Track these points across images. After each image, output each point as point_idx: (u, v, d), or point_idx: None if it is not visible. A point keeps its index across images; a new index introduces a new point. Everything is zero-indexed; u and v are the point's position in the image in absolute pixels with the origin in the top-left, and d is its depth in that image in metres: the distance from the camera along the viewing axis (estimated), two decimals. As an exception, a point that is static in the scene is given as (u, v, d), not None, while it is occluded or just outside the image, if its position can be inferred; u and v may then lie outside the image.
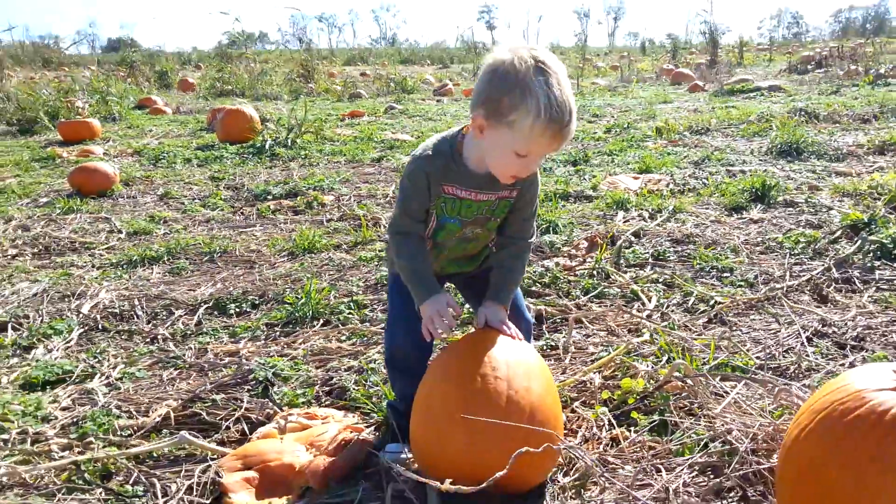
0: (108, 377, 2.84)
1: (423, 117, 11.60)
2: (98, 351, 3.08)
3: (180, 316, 3.48)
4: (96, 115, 11.31)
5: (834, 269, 3.49)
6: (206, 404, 2.56)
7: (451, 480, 1.71)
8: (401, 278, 2.13)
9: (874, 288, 3.30)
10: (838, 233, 3.92)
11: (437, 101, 15.23)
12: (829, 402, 1.59)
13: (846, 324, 2.93)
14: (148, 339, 3.24)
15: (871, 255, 3.61)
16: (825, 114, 8.25)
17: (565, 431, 2.22)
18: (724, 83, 13.66)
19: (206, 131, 10.27)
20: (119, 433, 2.42)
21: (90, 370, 2.90)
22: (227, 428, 2.44)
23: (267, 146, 8.13)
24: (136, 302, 3.63)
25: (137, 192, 6.32)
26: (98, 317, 3.45)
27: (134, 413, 2.56)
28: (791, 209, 4.60)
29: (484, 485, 1.68)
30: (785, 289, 3.31)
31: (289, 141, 8.47)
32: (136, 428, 2.45)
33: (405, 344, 2.16)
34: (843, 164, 5.81)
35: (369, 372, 2.72)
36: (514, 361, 1.95)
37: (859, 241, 3.72)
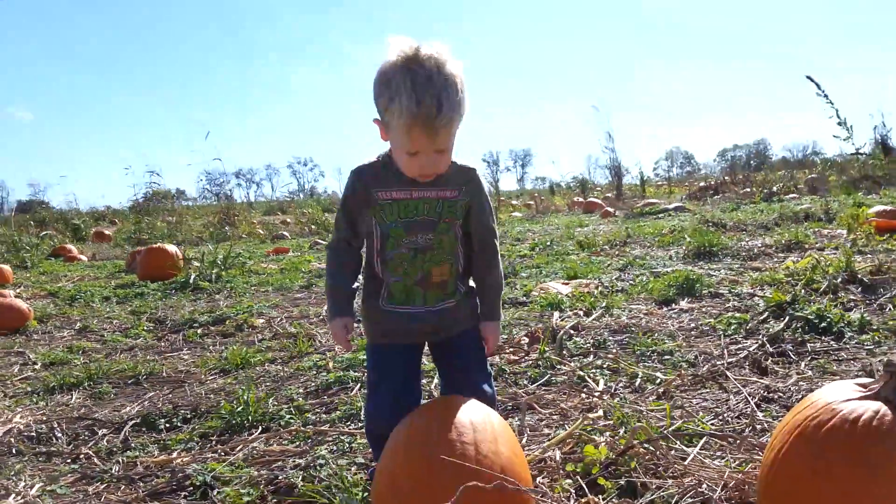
0: (24, 497, 2.56)
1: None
2: (12, 473, 2.79)
3: (105, 435, 3.23)
4: (7, 263, 10.87)
5: (768, 345, 3.59)
6: (139, 515, 2.33)
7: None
8: (375, 350, 2.21)
9: (809, 357, 3.40)
10: (765, 314, 4.06)
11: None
12: (800, 419, 1.59)
13: (790, 389, 2.98)
14: (69, 460, 2.96)
15: (800, 330, 3.74)
16: (731, 224, 8.79)
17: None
18: (633, 207, 14.44)
19: (124, 273, 10.00)
20: (38, 553, 2.15)
21: (3, 492, 2.61)
22: (164, 537, 2.21)
23: (191, 280, 7.95)
24: (55, 424, 3.35)
25: (53, 327, 6.00)
26: (12, 440, 3.16)
27: (55, 531, 2.30)
28: (717, 299, 4.77)
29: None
30: (725, 364, 3.36)
31: (213, 275, 8.32)
32: (58, 545, 2.19)
33: (375, 414, 2.14)
34: (756, 262, 6.12)
35: (318, 468, 2.55)
36: (480, 425, 1.87)
37: (787, 318, 3.86)
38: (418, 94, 1.75)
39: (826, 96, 9.54)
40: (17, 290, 8.51)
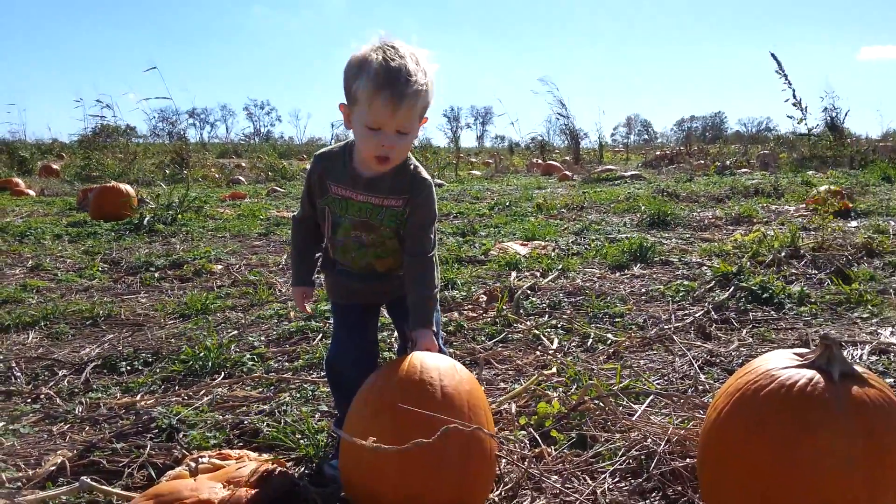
0: (-14, 435, 2.58)
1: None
2: (-28, 411, 2.81)
3: (65, 375, 3.25)
4: (-51, 195, 10.54)
5: (713, 312, 3.78)
6: (106, 453, 2.38)
7: (374, 439, 1.69)
8: (335, 305, 2.35)
9: (750, 326, 3.60)
10: (712, 283, 4.26)
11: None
12: (742, 383, 1.72)
13: (731, 354, 3.17)
14: (29, 399, 2.98)
15: (744, 299, 3.94)
16: (684, 194, 9.05)
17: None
18: (591, 172, 14.66)
19: (76, 210, 9.79)
20: (7, 486, 2.20)
21: (-36, 429, 2.63)
22: (131, 475, 2.28)
23: (146, 222, 7.85)
24: (13, 364, 3.35)
25: (4, 264, 5.89)
26: (-31, 379, 3.16)
27: (22, 466, 2.34)
28: (668, 266, 4.96)
29: (408, 445, 1.64)
30: (672, 329, 3.54)
31: (169, 217, 8.22)
32: (26, 479, 2.24)
33: (337, 360, 2.24)
34: (706, 233, 6.35)
35: (282, 414, 2.64)
36: (446, 371, 1.95)
37: (732, 288, 4.06)
38: (388, 63, 1.84)
39: (785, 76, 9.73)
40: (-37, 225, 8.28)
